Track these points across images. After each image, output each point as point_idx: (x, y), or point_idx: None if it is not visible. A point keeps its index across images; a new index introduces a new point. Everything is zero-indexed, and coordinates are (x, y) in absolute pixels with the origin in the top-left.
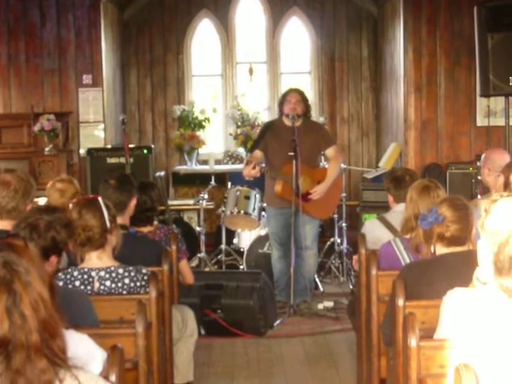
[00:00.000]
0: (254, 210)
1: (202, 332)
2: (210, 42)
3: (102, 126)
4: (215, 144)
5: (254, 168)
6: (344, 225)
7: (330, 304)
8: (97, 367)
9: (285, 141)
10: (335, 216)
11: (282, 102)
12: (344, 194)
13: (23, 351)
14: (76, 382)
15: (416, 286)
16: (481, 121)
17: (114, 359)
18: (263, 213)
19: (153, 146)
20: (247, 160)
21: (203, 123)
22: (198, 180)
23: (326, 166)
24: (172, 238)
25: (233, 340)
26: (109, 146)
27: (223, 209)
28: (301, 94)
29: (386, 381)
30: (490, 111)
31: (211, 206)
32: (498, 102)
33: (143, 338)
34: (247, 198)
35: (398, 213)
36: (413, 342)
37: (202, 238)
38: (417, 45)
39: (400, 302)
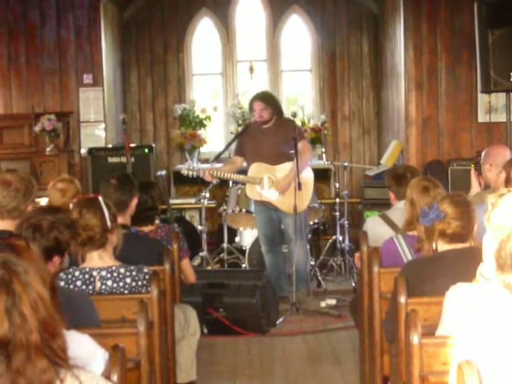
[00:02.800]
0: None
1: (205, 331)
2: (210, 41)
3: (102, 125)
4: (216, 143)
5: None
6: (346, 222)
7: (332, 302)
8: (98, 367)
9: (261, 142)
10: (337, 214)
11: (250, 110)
12: (346, 192)
13: (23, 351)
14: (77, 381)
15: (418, 283)
16: (482, 117)
17: (115, 359)
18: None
19: (154, 145)
20: (204, 171)
21: (204, 122)
22: (199, 179)
23: None
24: (173, 237)
25: (235, 338)
26: (110, 146)
27: (225, 207)
28: (263, 100)
29: (388, 378)
30: (491, 107)
31: (213, 205)
32: (499, 98)
33: (145, 337)
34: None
35: (399, 210)
36: (415, 339)
37: (204, 236)
38: (417, 42)
39: (402, 299)
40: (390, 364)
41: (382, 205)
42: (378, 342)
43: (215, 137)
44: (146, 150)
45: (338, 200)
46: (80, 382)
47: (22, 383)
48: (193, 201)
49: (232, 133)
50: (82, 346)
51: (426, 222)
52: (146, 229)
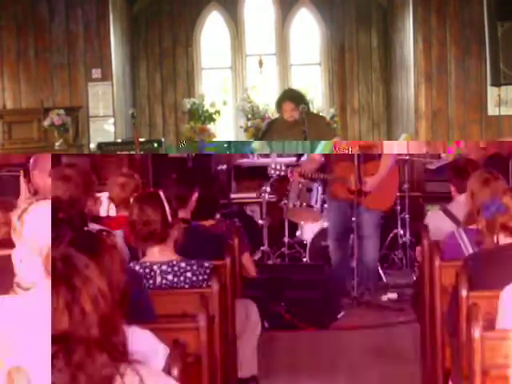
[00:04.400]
0: (316, 202)
1: (266, 325)
2: (219, 35)
3: (111, 120)
4: (226, 137)
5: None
6: (407, 216)
7: (393, 295)
8: (159, 363)
9: (289, 137)
10: (398, 208)
11: (279, 110)
12: (406, 185)
13: (83, 346)
14: (137, 376)
15: (480, 276)
16: (492, 110)
17: (175, 354)
18: (325, 205)
19: (163, 139)
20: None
21: (213, 116)
22: (259, 173)
23: None
24: (234, 231)
25: (296, 333)
26: (119, 140)
27: (286, 201)
28: (293, 100)
29: (450, 372)
30: (500, 100)
31: (273, 199)
32: (508, 91)
33: (206, 332)
34: (309, 190)
35: (460, 203)
36: (476, 332)
37: (265, 230)
38: (426, 34)
39: (463, 292)
40: (452, 358)
41: (443, 198)
42: (439, 335)
43: (225, 131)
44: (156, 145)
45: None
46: (140, 377)
47: (82, 378)
48: (253, 195)
49: (241, 127)
50: (143, 342)
51: (488, 214)
52: (207, 223)
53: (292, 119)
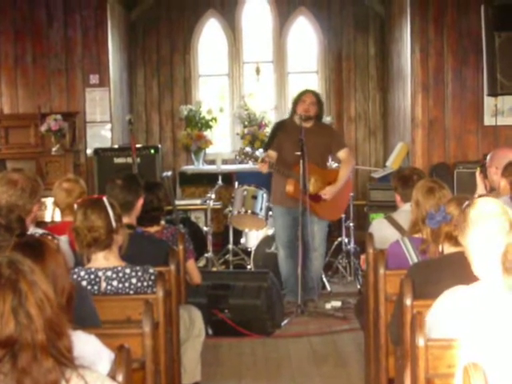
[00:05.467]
0: (261, 209)
1: (210, 332)
2: (216, 42)
3: (108, 126)
4: (222, 144)
5: (265, 163)
6: (351, 224)
7: (337, 304)
8: (104, 367)
9: (296, 140)
10: (343, 216)
11: (296, 102)
12: (351, 194)
13: (29, 351)
14: (82, 381)
15: (424, 285)
16: (488, 120)
17: (121, 359)
18: (270, 212)
19: (160, 145)
20: (262, 159)
21: (210, 123)
22: (205, 180)
23: (334, 167)
24: (179, 238)
25: (240, 340)
26: (116, 146)
27: (230, 208)
28: (316, 96)
29: (394, 380)
30: (497, 110)
31: (218, 206)
32: (505, 101)
33: (150, 338)
34: (254, 197)
35: (405, 212)
36: (421, 341)
37: (210, 237)
38: (424, 44)
39: (408, 301)
40: (395, 366)
41: (388, 207)
42: (384, 344)
43: (221, 138)
44: (152, 151)
45: None
46: (85, 382)
47: (28, 383)
48: (198, 202)
49: (238, 134)
50: (88, 347)
51: (433, 224)
52: (152, 229)
53: (306, 113)
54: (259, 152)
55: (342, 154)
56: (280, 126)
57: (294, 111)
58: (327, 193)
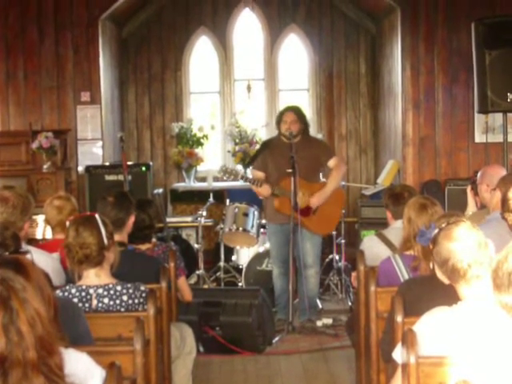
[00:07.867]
0: (252, 226)
1: (201, 349)
2: (207, 59)
3: (100, 143)
4: (213, 161)
5: (261, 186)
6: (342, 241)
7: (328, 321)
8: None
9: (283, 158)
10: (334, 233)
11: (278, 121)
12: (343, 211)
13: (20, 368)
14: None
15: (415, 302)
16: (479, 137)
17: (112, 377)
18: (262, 229)
19: (151, 163)
20: (253, 180)
21: (201, 140)
22: (196, 197)
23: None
24: (170, 255)
25: (231, 357)
26: (107, 164)
27: (221, 226)
28: (296, 113)
29: None
30: (488, 127)
31: (210, 223)
32: (496, 119)
33: (141, 355)
34: (245, 214)
35: (396, 229)
36: (412, 358)
37: (201, 255)
38: (414, 61)
39: (399, 318)
40: (386, 383)
41: (379, 224)
42: (375, 361)
43: (212, 155)
44: (144, 168)
45: None
46: None
47: None
48: (189, 219)
49: (229, 151)
50: (80, 364)
51: (424, 241)
52: (143, 247)
53: (288, 132)
54: (239, 168)
55: (331, 162)
56: (266, 145)
57: (279, 130)
58: (314, 199)
